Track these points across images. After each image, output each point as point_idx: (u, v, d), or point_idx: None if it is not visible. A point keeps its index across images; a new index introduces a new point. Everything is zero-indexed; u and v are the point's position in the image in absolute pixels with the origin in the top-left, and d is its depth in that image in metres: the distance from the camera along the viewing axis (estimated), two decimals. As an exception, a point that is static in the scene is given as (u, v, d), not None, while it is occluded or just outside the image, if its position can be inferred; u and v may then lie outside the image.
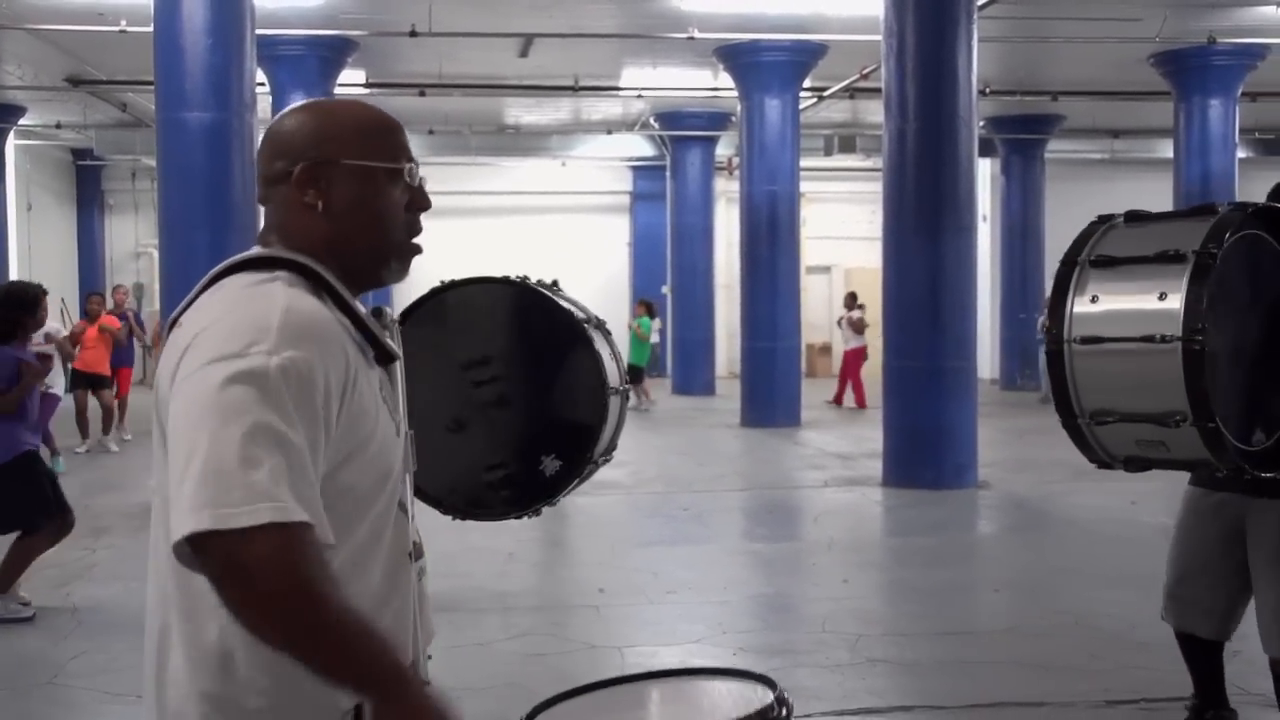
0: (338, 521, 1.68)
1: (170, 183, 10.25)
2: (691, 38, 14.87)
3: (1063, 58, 17.09)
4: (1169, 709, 5.00)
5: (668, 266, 23.34)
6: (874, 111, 15.56)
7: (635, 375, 17.34)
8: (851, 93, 17.90)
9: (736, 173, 19.09)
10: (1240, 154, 17.99)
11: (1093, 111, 20.87)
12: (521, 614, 6.83)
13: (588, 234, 25.75)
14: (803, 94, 17.32)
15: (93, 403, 13.57)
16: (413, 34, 14.08)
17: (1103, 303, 3.19)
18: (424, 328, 2.83)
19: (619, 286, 24.69)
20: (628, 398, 3.20)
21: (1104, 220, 3.38)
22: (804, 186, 17.75)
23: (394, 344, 1.93)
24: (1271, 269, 3.23)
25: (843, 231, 25.58)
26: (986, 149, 19.96)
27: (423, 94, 17.66)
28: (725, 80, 17.60)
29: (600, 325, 3.10)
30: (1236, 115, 17.29)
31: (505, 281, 2.96)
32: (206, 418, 1.57)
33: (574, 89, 18.61)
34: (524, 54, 16.46)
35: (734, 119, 18.85)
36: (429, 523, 2.04)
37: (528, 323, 2.96)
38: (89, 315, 13.87)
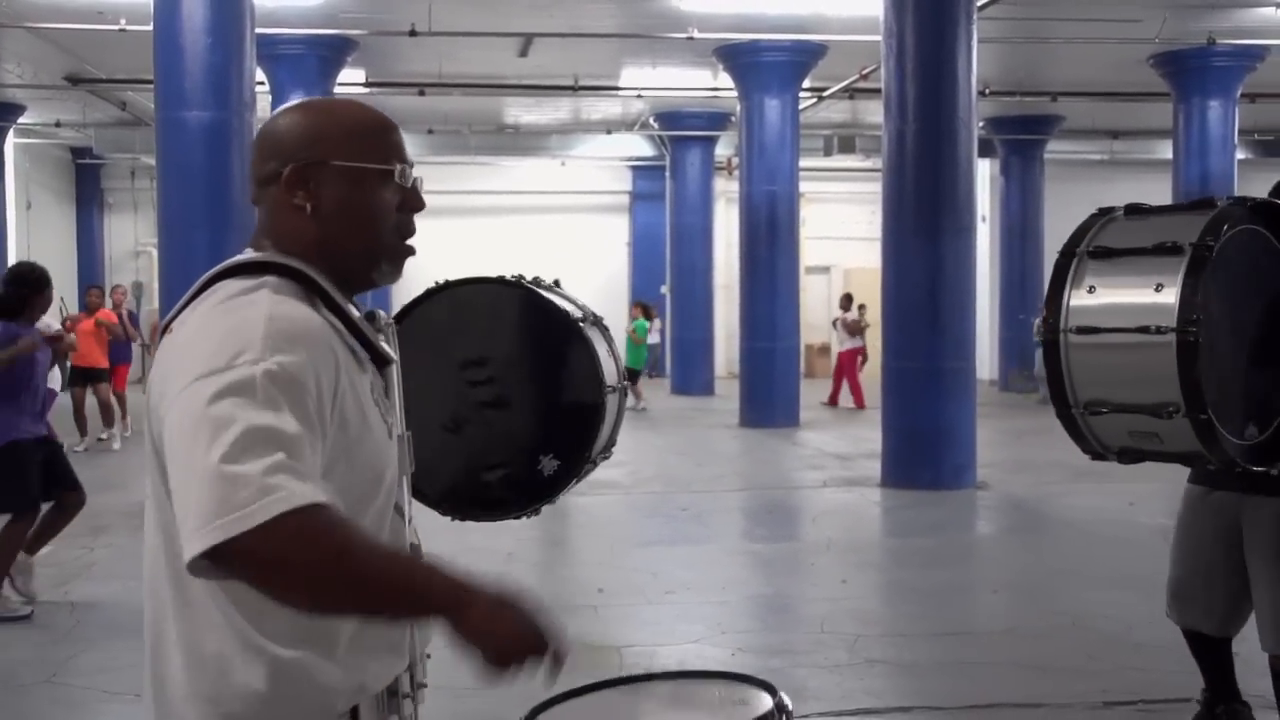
0: None
1: (170, 182, 10.25)
2: (691, 38, 14.87)
3: (1062, 59, 17.10)
4: (1167, 710, 5.01)
5: (667, 266, 23.35)
6: (873, 112, 15.56)
7: (630, 378, 17.34)
8: (851, 93, 17.91)
9: (736, 173, 19.10)
10: (1239, 155, 18.01)
11: (1092, 112, 20.87)
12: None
13: (587, 234, 25.75)
14: (802, 94, 17.32)
15: (90, 401, 13.56)
16: (412, 33, 14.09)
17: (1100, 294, 3.20)
18: (420, 328, 2.83)
19: (618, 286, 24.69)
20: (626, 394, 3.20)
21: (1104, 212, 3.39)
22: (803, 187, 17.76)
23: (389, 347, 1.92)
24: (1269, 264, 3.24)
25: (842, 232, 25.58)
26: (986, 150, 19.97)
27: (422, 93, 17.66)
28: (725, 80, 17.60)
29: (597, 322, 3.10)
30: (1236, 116, 17.30)
31: (501, 281, 2.96)
32: (200, 435, 1.56)
33: (574, 89, 18.61)
34: (524, 54, 16.46)
35: (733, 119, 18.85)
36: (428, 523, 2.04)
37: (524, 322, 2.96)
38: (88, 307, 13.88)
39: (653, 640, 6.26)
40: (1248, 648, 4.56)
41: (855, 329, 19.69)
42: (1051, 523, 9.91)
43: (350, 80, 17.08)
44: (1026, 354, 20.95)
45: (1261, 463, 3.21)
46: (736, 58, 16.45)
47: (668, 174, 23.09)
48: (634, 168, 26.06)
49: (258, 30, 10.76)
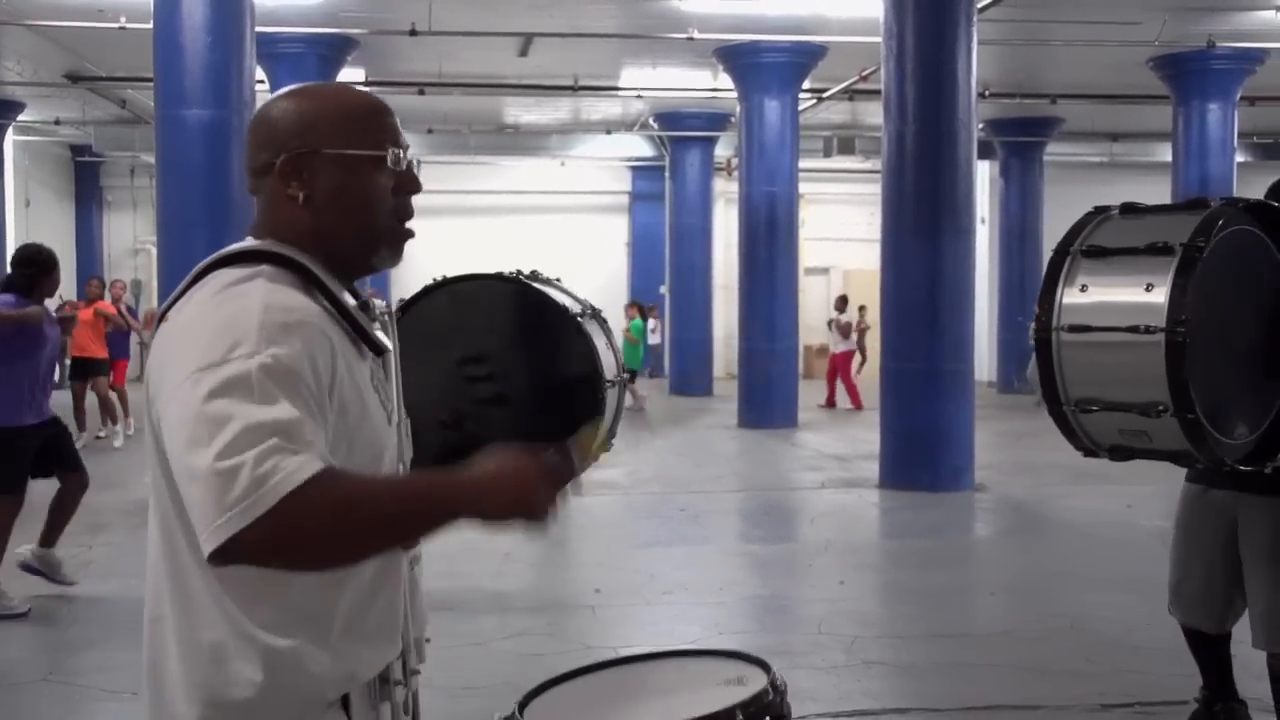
0: None
1: (169, 180, 10.24)
2: (691, 38, 14.87)
3: (1062, 61, 17.10)
4: (1165, 713, 5.01)
5: (666, 267, 23.34)
6: (873, 113, 15.56)
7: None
8: (851, 94, 17.90)
9: (735, 173, 19.09)
10: (1239, 158, 18.00)
11: (1092, 115, 20.87)
12: (518, 614, 6.83)
13: (586, 234, 25.74)
14: (802, 95, 17.31)
15: (90, 397, 13.56)
16: (413, 33, 14.08)
17: (1092, 292, 3.22)
18: (419, 324, 2.83)
19: (617, 286, 24.68)
20: (625, 387, 3.21)
21: (1099, 211, 3.41)
22: (803, 188, 17.75)
23: (387, 334, 1.93)
24: (1261, 265, 3.25)
25: (841, 233, 25.58)
26: (985, 151, 19.97)
27: (422, 93, 17.65)
28: (725, 81, 17.59)
29: (596, 315, 3.10)
30: (1235, 119, 17.30)
31: (499, 277, 2.96)
32: (197, 434, 1.57)
33: (573, 89, 18.60)
34: (524, 53, 16.45)
35: (733, 120, 18.84)
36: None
37: (522, 318, 2.97)
38: (88, 297, 13.89)
39: (650, 641, 6.25)
40: (1245, 649, 4.56)
41: (848, 331, 19.71)
42: (1050, 525, 9.91)
43: (350, 79, 17.07)
44: (1025, 356, 20.76)
45: (1251, 462, 3.22)
46: (736, 58, 16.45)
47: (667, 174, 23.08)
48: (633, 168, 26.05)
49: (258, 29, 10.76)
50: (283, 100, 1.88)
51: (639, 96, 19.63)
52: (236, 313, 1.66)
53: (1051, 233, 20.66)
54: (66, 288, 19.40)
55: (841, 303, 20.22)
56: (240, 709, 1.72)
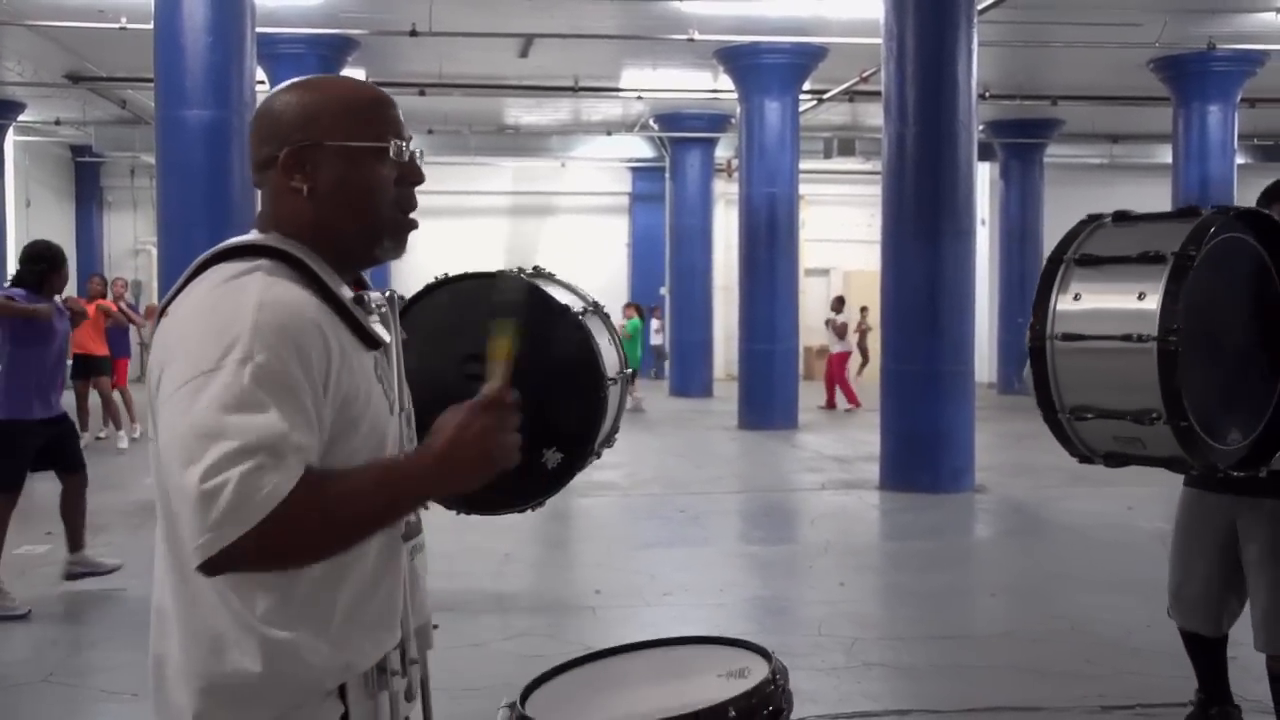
0: None
1: (169, 180, 10.24)
2: (692, 39, 14.87)
3: (1062, 62, 17.10)
4: (1165, 714, 5.01)
5: (666, 268, 23.35)
6: (873, 114, 15.56)
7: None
8: (851, 96, 17.90)
9: (736, 175, 19.10)
10: (1239, 160, 18.01)
11: (1092, 116, 20.87)
12: (518, 615, 6.83)
13: (587, 235, 25.73)
14: (802, 96, 17.32)
15: (94, 396, 13.57)
16: (413, 33, 14.08)
17: (1085, 301, 3.25)
18: (420, 323, 2.83)
19: (617, 288, 24.68)
20: (628, 382, 3.21)
21: (1092, 219, 3.45)
22: (803, 189, 17.75)
23: (389, 324, 1.94)
24: (1253, 271, 3.29)
25: (841, 234, 25.58)
26: (986, 153, 19.97)
27: (423, 93, 17.65)
28: (725, 82, 17.60)
29: (598, 310, 3.10)
30: (1235, 121, 17.30)
31: (499, 275, 2.96)
32: (188, 448, 1.61)
33: (574, 90, 18.61)
34: (524, 54, 16.46)
35: (733, 121, 18.85)
36: (428, 518, 2.05)
37: (523, 316, 2.97)
38: (89, 294, 13.90)
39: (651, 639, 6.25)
40: (1245, 652, 4.56)
41: (844, 331, 19.74)
42: (1050, 526, 9.91)
43: (350, 80, 17.07)
44: (1025, 357, 20.65)
45: (1245, 468, 3.25)
46: (737, 60, 16.45)
47: (667, 175, 23.09)
48: (634, 169, 26.06)
49: (258, 29, 10.76)
50: (285, 93, 1.89)
51: (639, 97, 19.64)
52: (231, 313, 1.68)
53: (1052, 234, 20.68)
54: (68, 287, 19.45)
55: (838, 303, 20.24)
56: (237, 698, 1.73)
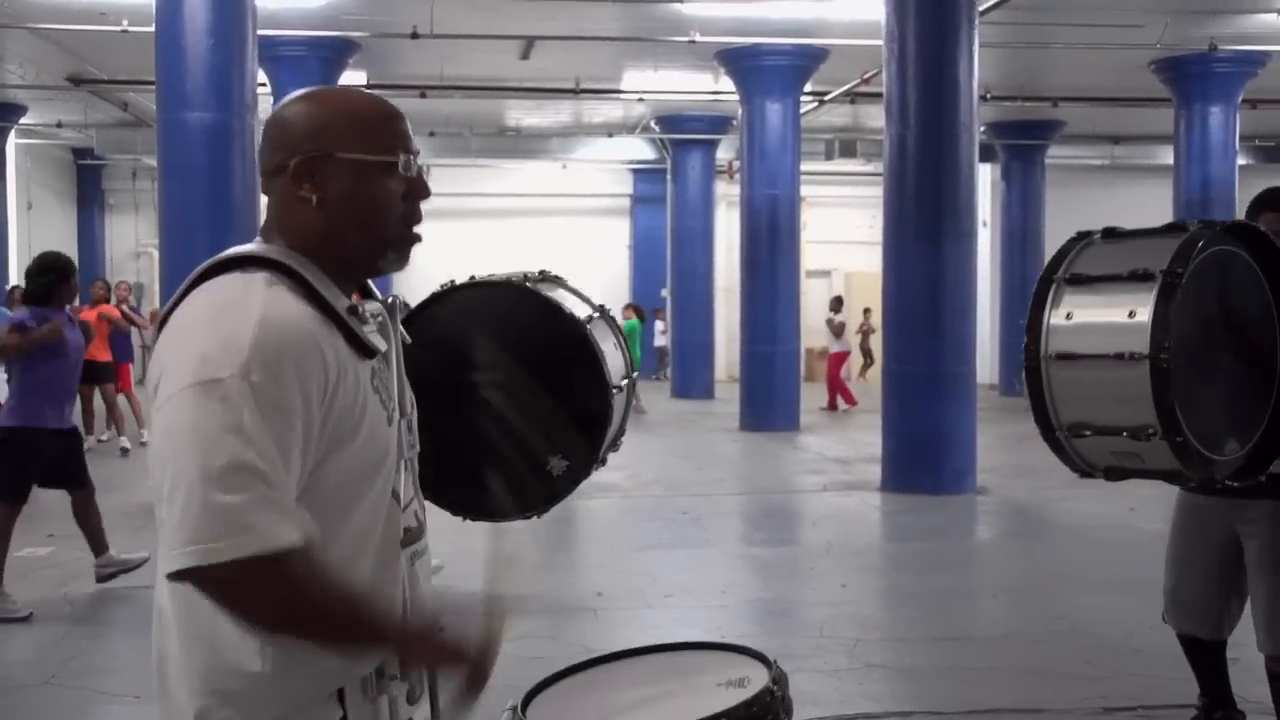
0: (327, 514, 1.76)
1: (171, 183, 10.25)
2: (693, 41, 14.88)
3: (1063, 64, 17.10)
4: (1166, 716, 5.01)
5: (667, 270, 23.35)
6: (875, 116, 15.56)
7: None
8: (852, 97, 17.89)
9: (737, 176, 19.10)
10: (1240, 161, 18.00)
11: (1093, 118, 20.87)
12: (520, 617, 6.82)
13: (588, 237, 25.74)
14: (804, 98, 17.32)
15: (98, 400, 13.57)
16: (414, 35, 14.08)
17: (1077, 320, 3.32)
18: (428, 330, 2.84)
19: (619, 289, 24.69)
20: (634, 386, 3.22)
21: (1082, 236, 3.52)
22: (804, 191, 17.75)
23: (387, 332, 1.94)
24: (1242, 282, 3.34)
25: (843, 236, 25.58)
26: (987, 154, 19.95)
27: (424, 96, 17.65)
28: (726, 84, 17.60)
29: (604, 314, 3.11)
30: (1237, 122, 17.30)
31: (505, 284, 2.97)
32: (183, 450, 1.63)
33: (575, 92, 18.61)
34: (525, 56, 16.46)
35: (735, 123, 18.85)
36: (432, 523, 2.05)
37: (530, 323, 2.98)
38: (92, 300, 13.91)
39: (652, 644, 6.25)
40: (1247, 654, 4.57)
41: (840, 331, 19.78)
42: (1051, 528, 9.91)
43: (352, 83, 17.08)
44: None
45: (1243, 477, 3.30)
46: (738, 61, 16.46)
47: (669, 177, 23.08)
48: (635, 171, 26.06)
49: (259, 32, 10.77)
50: (297, 103, 1.90)
51: (640, 99, 19.64)
52: (233, 326, 1.68)
53: (1053, 236, 20.71)
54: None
55: (837, 303, 20.27)
56: (237, 699, 1.74)
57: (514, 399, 2.87)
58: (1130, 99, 18.91)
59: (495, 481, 2.91)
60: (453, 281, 2.99)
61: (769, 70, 16.39)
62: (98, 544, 7.32)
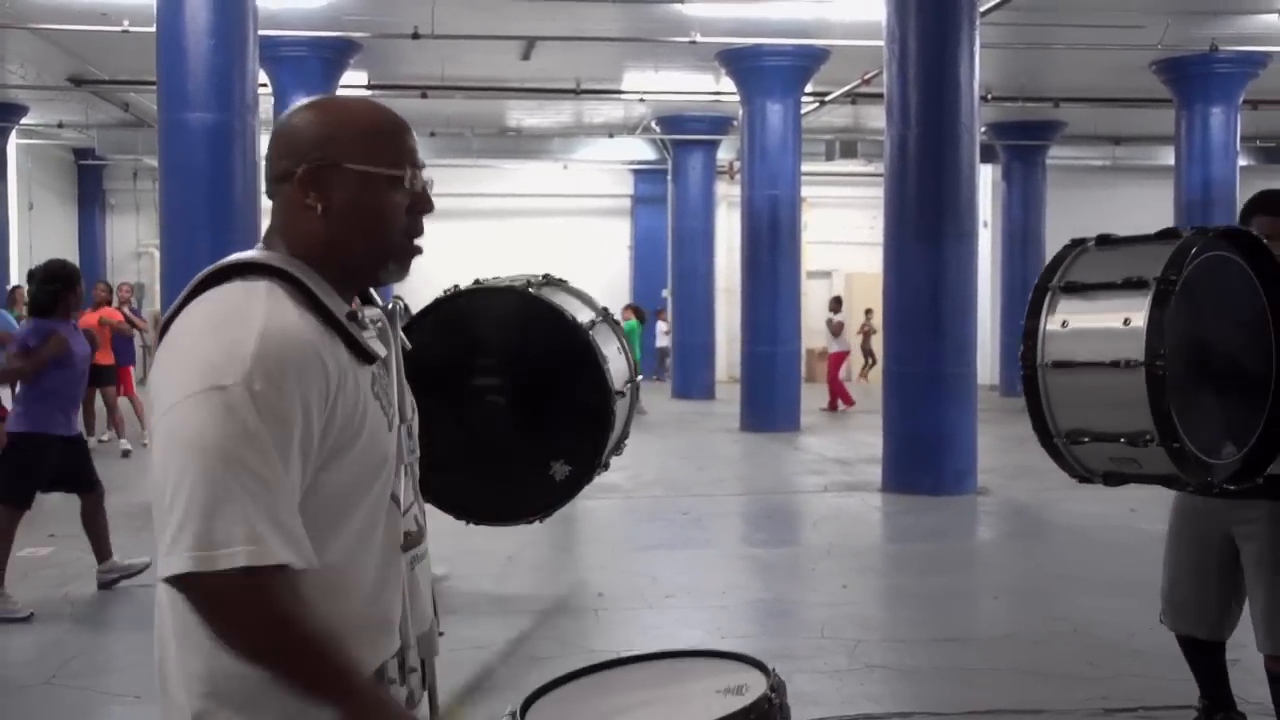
0: (327, 519, 1.77)
1: (172, 183, 10.25)
2: (694, 42, 14.88)
3: (1064, 64, 17.11)
4: (1167, 717, 5.01)
5: (668, 270, 23.35)
6: (875, 117, 15.57)
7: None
8: (853, 98, 17.90)
9: (737, 177, 19.10)
10: (1241, 162, 18.01)
11: (1094, 118, 20.87)
12: (520, 617, 6.83)
13: (588, 237, 25.75)
14: (804, 99, 17.32)
15: (99, 402, 13.57)
16: (415, 36, 14.09)
17: (1073, 328, 3.37)
18: (434, 336, 2.85)
19: (619, 290, 24.70)
20: (638, 391, 3.23)
21: (1076, 243, 3.55)
22: (805, 191, 17.75)
23: (386, 338, 1.96)
24: (1237, 287, 3.35)
25: (844, 236, 25.59)
26: (988, 155, 19.96)
27: (425, 96, 17.66)
28: (727, 84, 17.60)
29: (608, 318, 3.12)
30: (1238, 123, 17.31)
31: (509, 290, 2.98)
32: (184, 458, 1.64)
33: (576, 92, 18.61)
34: (526, 57, 16.47)
35: (735, 123, 18.86)
36: (435, 526, 2.06)
37: (534, 330, 2.98)
38: (94, 303, 13.92)
39: (653, 645, 6.23)
40: (1248, 655, 4.56)
41: (838, 331, 19.80)
42: (1052, 528, 9.91)
43: (353, 83, 17.09)
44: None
45: (1240, 480, 3.30)
46: (739, 62, 16.46)
47: (669, 178, 23.08)
48: (636, 171, 26.06)
49: (260, 32, 10.77)
50: (307, 110, 1.91)
51: (641, 100, 19.65)
52: (235, 336, 1.70)
53: (1054, 236, 20.70)
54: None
55: (835, 303, 20.27)
56: (237, 700, 1.75)
57: (517, 405, 2.88)
58: (1131, 100, 18.91)
59: (498, 486, 2.92)
60: (457, 286, 3.00)
61: (770, 71, 16.39)
62: (102, 550, 7.31)
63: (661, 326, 23.75)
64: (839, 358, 20.02)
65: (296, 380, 1.69)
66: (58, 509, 7.35)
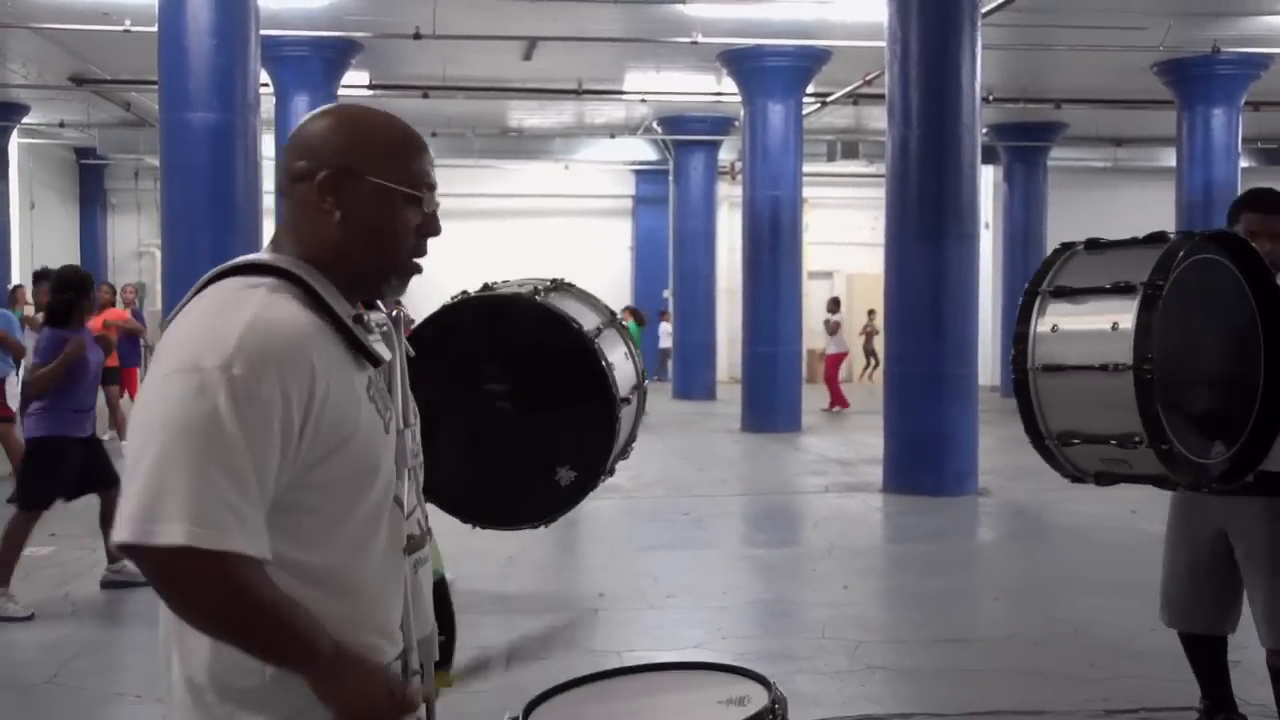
0: (323, 518, 1.78)
1: (173, 183, 10.26)
2: (695, 42, 14.89)
3: (1066, 66, 17.10)
4: (1168, 718, 5.00)
5: (669, 271, 23.35)
6: (877, 117, 15.58)
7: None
8: (855, 98, 17.91)
9: (739, 177, 19.10)
10: (1243, 163, 18.00)
11: (1096, 119, 20.87)
12: (521, 617, 6.83)
13: (590, 237, 25.76)
14: (806, 99, 17.33)
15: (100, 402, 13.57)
16: (416, 36, 14.09)
17: (1063, 332, 3.41)
18: (439, 341, 2.85)
19: (621, 291, 24.71)
20: (645, 394, 3.23)
21: (1066, 247, 3.59)
22: (806, 192, 17.75)
23: (390, 344, 1.97)
24: (1225, 289, 3.38)
25: (845, 237, 25.59)
26: (989, 156, 19.97)
27: (426, 96, 17.67)
28: (729, 85, 17.60)
29: (614, 321, 3.12)
30: (1239, 124, 17.31)
31: (515, 297, 2.98)
32: (156, 431, 1.66)
33: (577, 92, 18.63)
34: (527, 57, 16.47)
35: (737, 124, 18.86)
36: (439, 527, 2.06)
37: (540, 335, 2.98)
38: (98, 305, 13.92)
39: (654, 645, 6.26)
40: (1249, 656, 4.56)
41: (835, 330, 19.82)
42: (1053, 529, 9.90)
43: (354, 83, 17.10)
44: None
45: (1230, 479, 3.33)
46: (740, 63, 16.46)
47: (671, 178, 23.08)
48: (637, 172, 26.07)
49: (262, 32, 10.78)
50: (333, 116, 1.92)
51: (643, 100, 19.65)
52: (224, 324, 1.71)
53: (1055, 237, 20.59)
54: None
55: (834, 303, 20.28)
56: (243, 697, 1.76)
57: (523, 410, 2.88)
58: (1133, 101, 18.92)
59: (503, 491, 2.93)
60: (465, 292, 3.00)
61: (771, 71, 16.39)
62: (114, 551, 7.30)
63: (665, 327, 23.75)
64: (837, 359, 20.02)
65: (277, 370, 1.69)
66: (59, 509, 7.34)
